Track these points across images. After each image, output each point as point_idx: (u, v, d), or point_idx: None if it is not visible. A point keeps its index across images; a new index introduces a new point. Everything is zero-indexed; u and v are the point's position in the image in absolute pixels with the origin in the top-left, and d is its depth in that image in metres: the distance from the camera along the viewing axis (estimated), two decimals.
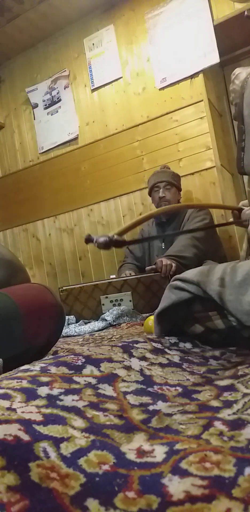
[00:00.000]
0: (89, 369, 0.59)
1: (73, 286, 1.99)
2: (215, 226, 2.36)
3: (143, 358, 0.69)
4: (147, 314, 1.74)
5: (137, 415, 0.48)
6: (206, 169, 2.54)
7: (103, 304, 1.90)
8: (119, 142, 2.82)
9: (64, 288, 1.98)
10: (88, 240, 0.65)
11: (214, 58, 2.47)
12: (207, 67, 2.52)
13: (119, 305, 1.87)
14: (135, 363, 0.65)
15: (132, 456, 0.37)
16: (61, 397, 0.48)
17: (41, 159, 3.15)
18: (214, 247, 2.25)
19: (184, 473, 0.34)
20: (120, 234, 0.66)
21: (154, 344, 0.77)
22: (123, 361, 0.65)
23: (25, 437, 0.37)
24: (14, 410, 0.43)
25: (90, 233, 0.68)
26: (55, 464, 0.34)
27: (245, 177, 1.03)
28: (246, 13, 2.16)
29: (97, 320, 1.81)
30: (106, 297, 1.90)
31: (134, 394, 0.55)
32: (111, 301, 1.89)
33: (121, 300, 1.88)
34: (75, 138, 3.00)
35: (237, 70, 0.88)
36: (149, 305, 1.86)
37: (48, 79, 3.11)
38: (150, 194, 2.44)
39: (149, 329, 1.20)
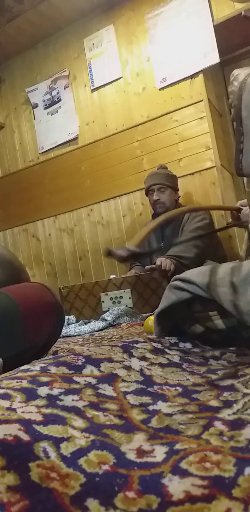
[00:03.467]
0: (89, 369, 0.59)
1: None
2: (217, 230, 2.36)
3: (143, 358, 0.69)
4: (147, 314, 1.74)
5: (137, 415, 0.48)
6: (206, 169, 2.54)
7: (103, 301, 1.92)
8: (119, 142, 2.82)
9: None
10: (109, 254, 0.68)
11: (214, 58, 2.46)
12: (207, 67, 2.51)
13: (119, 302, 1.89)
14: (135, 363, 0.65)
15: (132, 456, 0.37)
16: (61, 397, 0.48)
17: (41, 159, 3.15)
18: (214, 247, 2.26)
19: (184, 473, 0.34)
20: (138, 245, 0.70)
21: (154, 344, 0.77)
22: (123, 361, 0.65)
23: (25, 437, 0.37)
24: (14, 410, 0.43)
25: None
26: (55, 464, 0.34)
27: (245, 177, 1.03)
28: (243, 13, 2.17)
29: (97, 320, 1.82)
30: (106, 294, 1.92)
31: (134, 394, 0.55)
32: (111, 298, 1.91)
33: (121, 297, 1.90)
34: (75, 138, 3.00)
35: (235, 72, 0.87)
36: (148, 303, 1.89)
37: (48, 79, 3.10)
38: (146, 195, 2.45)
39: (149, 329, 1.20)
